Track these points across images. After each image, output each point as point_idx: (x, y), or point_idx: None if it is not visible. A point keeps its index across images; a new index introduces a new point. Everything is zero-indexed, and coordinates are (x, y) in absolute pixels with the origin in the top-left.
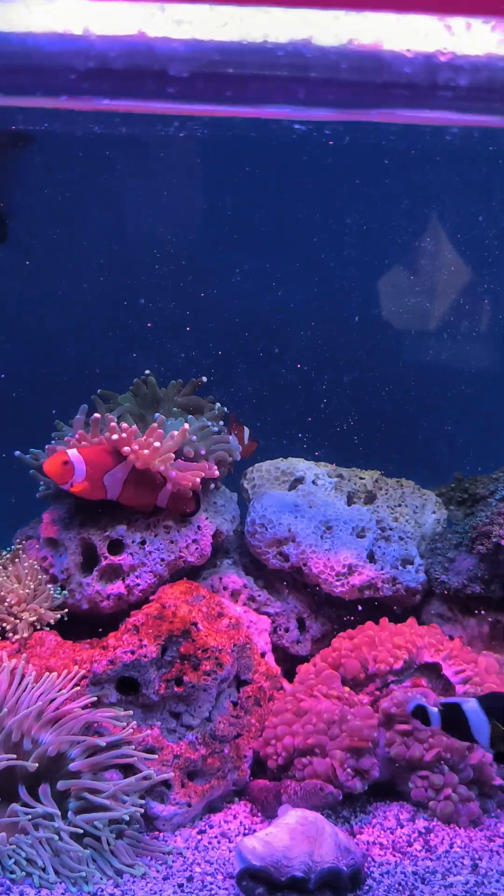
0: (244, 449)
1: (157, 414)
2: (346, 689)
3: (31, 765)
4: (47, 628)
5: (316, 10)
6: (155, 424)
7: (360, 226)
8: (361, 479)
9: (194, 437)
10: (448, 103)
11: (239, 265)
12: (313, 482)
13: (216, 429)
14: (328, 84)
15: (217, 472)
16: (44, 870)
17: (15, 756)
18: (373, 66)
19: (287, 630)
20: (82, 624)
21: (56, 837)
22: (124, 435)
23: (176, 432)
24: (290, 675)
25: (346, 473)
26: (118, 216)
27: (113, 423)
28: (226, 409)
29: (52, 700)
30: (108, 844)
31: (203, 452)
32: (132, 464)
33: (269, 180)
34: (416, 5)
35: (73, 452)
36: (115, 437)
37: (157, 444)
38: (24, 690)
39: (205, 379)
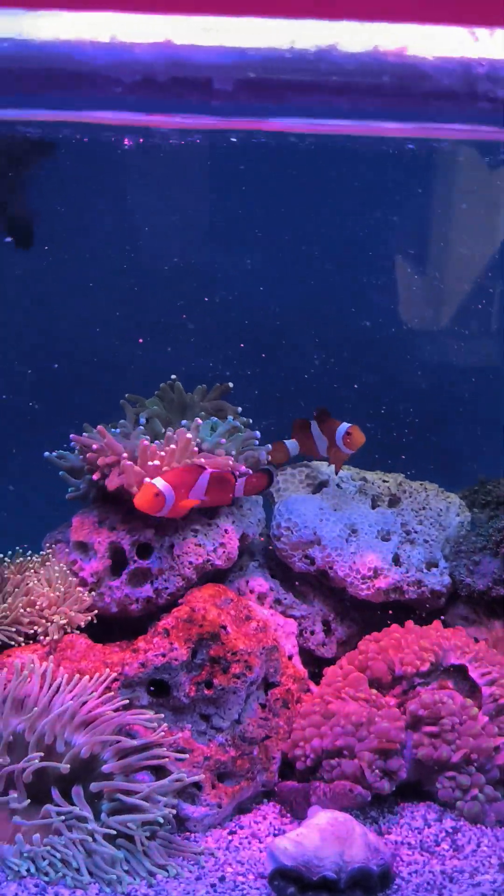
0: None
1: (183, 420)
2: (374, 691)
3: (64, 767)
4: (77, 631)
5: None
6: (174, 434)
7: (387, 232)
8: (385, 482)
9: (223, 441)
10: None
11: (262, 270)
12: (338, 485)
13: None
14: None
15: (244, 468)
16: (77, 870)
17: (42, 755)
18: (413, 75)
19: (313, 633)
20: (111, 627)
21: (89, 838)
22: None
23: (185, 433)
24: (315, 677)
25: (370, 476)
26: (140, 221)
27: (145, 443)
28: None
29: (84, 702)
30: (142, 845)
31: (234, 454)
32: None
33: (298, 187)
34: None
35: (160, 483)
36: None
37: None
38: (56, 693)
39: (231, 385)
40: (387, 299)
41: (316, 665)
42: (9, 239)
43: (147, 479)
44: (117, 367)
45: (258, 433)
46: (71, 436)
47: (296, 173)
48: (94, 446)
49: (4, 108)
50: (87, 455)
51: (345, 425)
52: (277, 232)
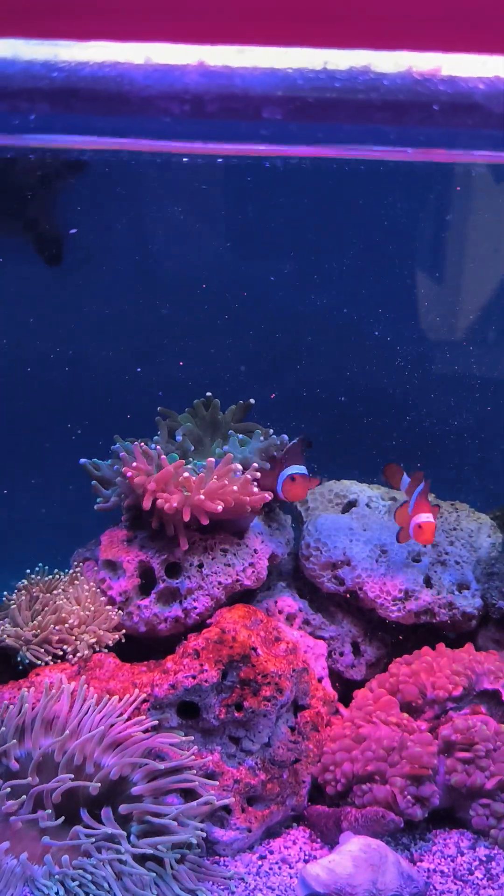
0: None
1: (216, 442)
2: (405, 715)
3: (94, 784)
4: (105, 650)
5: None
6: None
7: (418, 246)
8: None
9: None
10: None
11: (295, 288)
12: (367, 505)
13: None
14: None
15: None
16: (109, 892)
17: (73, 776)
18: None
19: (342, 654)
20: (138, 646)
21: (119, 860)
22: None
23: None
24: (343, 698)
25: (400, 496)
26: (169, 240)
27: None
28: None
29: (114, 724)
30: (171, 868)
31: (269, 467)
32: None
33: (341, 209)
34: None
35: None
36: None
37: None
38: (86, 713)
39: (253, 401)
40: (423, 316)
41: (344, 687)
42: (74, 231)
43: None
44: (144, 383)
45: (286, 437)
46: (138, 444)
47: (338, 195)
48: (142, 467)
49: (52, 135)
50: (127, 470)
51: (424, 517)
52: (313, 252)
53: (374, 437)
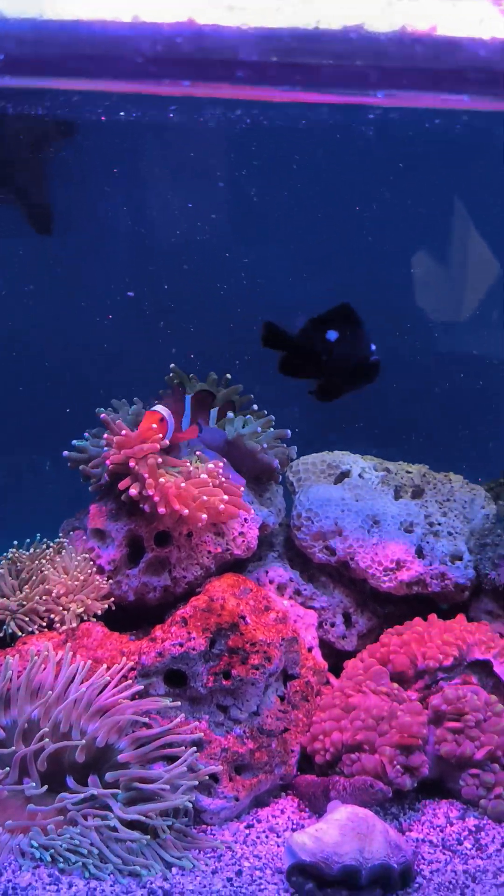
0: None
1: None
2: (395, 685)
3: (80, 750)
4: (94, 619)
5: None
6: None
7: (414, 216)
8: (409, 472)
9: (259, 429)
10: None
11: (282, 257)
12: (360, 475)
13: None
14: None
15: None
16: (100, 857)
17: (53, 740)
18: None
19: (333, 625)
20: (127, 615)
21: (106, 828)
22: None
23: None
24: (335, 669)
25: (393, 467)
26: (162, 207)
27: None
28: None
29: (101, 691)
30: (163, 833)
31: (265, 446)
32: None
33: (347, 171)
34: None
35: None
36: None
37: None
38: (72, 681)
39: (229, 376)
40: (417, 289)
41: (336, 657)
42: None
43: None
44: (127, 358)
45: (289, 431)
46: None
47: (340, 155)
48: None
49: (27, 77)
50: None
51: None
52: (313, 219)
53: (370, 409)
